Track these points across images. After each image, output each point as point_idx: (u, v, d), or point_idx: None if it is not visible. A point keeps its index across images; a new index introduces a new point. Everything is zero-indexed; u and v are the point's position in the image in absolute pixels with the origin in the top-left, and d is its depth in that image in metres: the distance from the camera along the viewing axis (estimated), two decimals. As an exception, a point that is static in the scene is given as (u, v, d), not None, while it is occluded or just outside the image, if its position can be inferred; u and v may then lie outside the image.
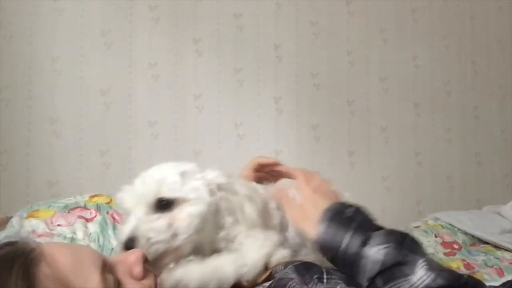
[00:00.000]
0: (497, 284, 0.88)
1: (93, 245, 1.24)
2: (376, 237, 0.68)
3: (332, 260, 0.72)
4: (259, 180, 1.01)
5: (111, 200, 1.45)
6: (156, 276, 0.69)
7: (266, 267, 0.77)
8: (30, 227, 1.28)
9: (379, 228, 0.72)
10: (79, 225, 1.30)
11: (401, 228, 2.01)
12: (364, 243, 0.68)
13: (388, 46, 2.48)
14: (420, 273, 0.64)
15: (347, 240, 0.70)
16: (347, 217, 0.73)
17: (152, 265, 0.71)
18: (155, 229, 0.75)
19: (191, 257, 0.77)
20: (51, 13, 2.00)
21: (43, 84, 1.98)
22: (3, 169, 1.91)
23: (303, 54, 2.34)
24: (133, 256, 0.67)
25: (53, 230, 1.27)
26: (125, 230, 0.75)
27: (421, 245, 0.71)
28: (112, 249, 1.24)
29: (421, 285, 0.62)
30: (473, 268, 1.72)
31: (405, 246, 0.67)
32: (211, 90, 2.19)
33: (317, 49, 2.37)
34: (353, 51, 2.42)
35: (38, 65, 1.97)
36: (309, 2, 2.36)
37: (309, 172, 0.92)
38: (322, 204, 0.77)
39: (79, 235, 1.27)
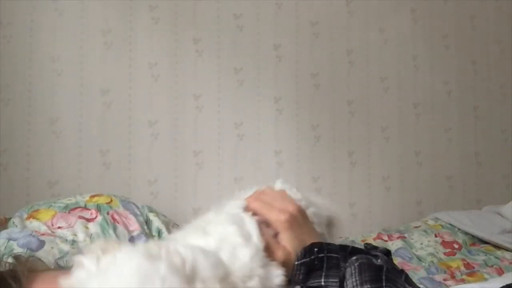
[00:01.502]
0: (497, 282, 0.88)
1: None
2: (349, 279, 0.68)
3: None
4: None
5: (111, 200, 1.45)
6: None
7: None
8: (32, 228, 1.28)
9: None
10: (79, 226, 1.30)
11: (401, 228, 2.02)
12: None
13: (388, 46, 2.48)
14: None
15: None
16: (317, 264, 0.73)
17: None
18: None
19: None
20: (51, 13, 2.00)
21: (43, 84, 1.98)
22: (3, 169, 1.90)
23: (303, 54, 2.34)
24: None
25: (54, 232, 1.27)
26: None
27: (397, 271, 0.71)
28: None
29: None
30: (473, 267, 1.73)
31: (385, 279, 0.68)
32: (211, 90, 2.19)
33: (317, 49, 2.37)
34: (353, 51, 2.42)
35: (38, 65, 1.97)
36: (309, 2, 2.36)
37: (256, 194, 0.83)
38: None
39: (80, 236, 1.27)
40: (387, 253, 0.77)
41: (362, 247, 0.78)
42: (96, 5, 2.05)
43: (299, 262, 0.73)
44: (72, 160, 1.98)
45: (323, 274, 0.72)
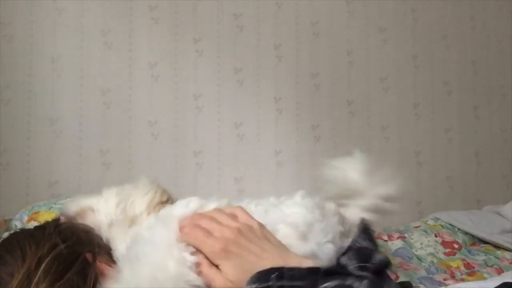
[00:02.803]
0: (496, 281, 0.88)
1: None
2: None
3: None
4: None
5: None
6: None
7: None
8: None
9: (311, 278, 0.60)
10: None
11: (401, 228, 2.02)
12: None
13: (388, 46, 2.48)
14: None
15: None
16: None
17: None
18: None
19: None
20: (51, 13, 2.00)
21: (43, 84, 1.98)
22: (3, 169, 1.91)
23: (303, 54, 2.34)
24: None
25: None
26: None
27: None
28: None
29: None
30: (473, 267, 1.73)
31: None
32: (211, 90, 2.19)
33: (317, 49, 2.37)
34: (353, 51, 2.42)
35: (38, 65, 1.97)
36: (309, 2, 2.36)
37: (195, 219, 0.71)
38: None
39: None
40: (386, 264, 0.65)
41: (345, 264, 0.64)
42: (96, 5, 2.05)
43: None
44: (72, 160, 1.98)
45: None
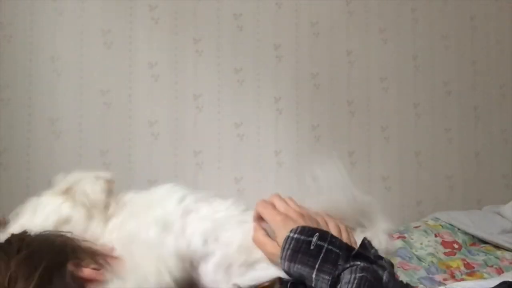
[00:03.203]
0: (496, 280, 0.88)
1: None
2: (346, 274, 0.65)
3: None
4: None
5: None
6: None
7: None
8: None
9: (347, 253, 0.68)
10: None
11: (401, 228, 2.02)
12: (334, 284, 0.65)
13: (388, 46, 2.48)
14: None
15: (314, 277, 0.67)
16: (313, 250, 0.68)
17: None
18: None
19: None
20: (51, 13, 2.00)
21: (43, 84, 1.98)
22: (3, 169, 1.91)
23: (303, 54, 2.34)
24: None
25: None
26: None
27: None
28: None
29: None
30: (473, 267, 1.73)
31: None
32: (211, 90, 2.19)
33: (317, 49, 2.37)
34: (353, 51, 2.42)
35: (38, 65, 1.97)
36: (309, 2, 2.36)
37: (270, 198, 0.84)
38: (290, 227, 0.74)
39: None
40: (393, 266, 0.73)
41: (371, 253, 0.72)
42: (96, 5, 2.05)
43: (290, 235, 0.70)
44: (72, 160, 1.98)
45: (316, 266, 0.67)
